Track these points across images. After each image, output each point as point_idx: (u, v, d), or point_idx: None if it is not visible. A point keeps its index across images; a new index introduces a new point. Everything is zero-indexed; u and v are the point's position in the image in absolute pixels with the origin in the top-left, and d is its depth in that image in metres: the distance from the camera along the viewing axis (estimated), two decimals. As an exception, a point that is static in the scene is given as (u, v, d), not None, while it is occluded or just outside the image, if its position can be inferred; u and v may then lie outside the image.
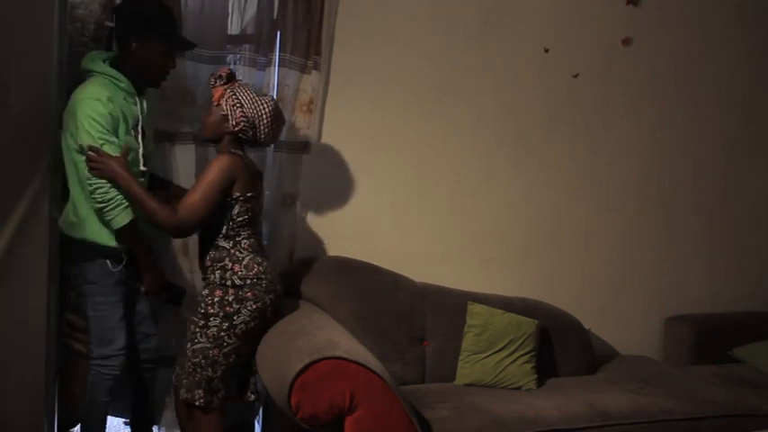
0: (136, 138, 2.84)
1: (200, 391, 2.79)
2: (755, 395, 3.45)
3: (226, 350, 2.78)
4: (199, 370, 2.78)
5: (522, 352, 3.35)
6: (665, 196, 4.06)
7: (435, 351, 3.38)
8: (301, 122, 3.42)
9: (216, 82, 2.85)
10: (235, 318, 2.77)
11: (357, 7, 3.47)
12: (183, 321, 3.22)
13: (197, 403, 2.79)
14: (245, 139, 2.88)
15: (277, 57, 3.33)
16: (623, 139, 3.94)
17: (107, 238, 2.81)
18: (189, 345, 2.80)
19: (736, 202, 4.19)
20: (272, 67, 3.32)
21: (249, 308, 2.79)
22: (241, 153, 2.85)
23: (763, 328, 4.03)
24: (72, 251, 2.84)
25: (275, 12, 3.33)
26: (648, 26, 3.88)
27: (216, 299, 2.77)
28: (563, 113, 3.83)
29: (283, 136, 3.38)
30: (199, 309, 2.81)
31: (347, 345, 2.74)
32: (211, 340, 2.76)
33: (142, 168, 2.86)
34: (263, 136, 2.88)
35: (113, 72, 2.78)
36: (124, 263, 2.87)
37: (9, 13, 2.82)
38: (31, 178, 2.84)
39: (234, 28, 3.36)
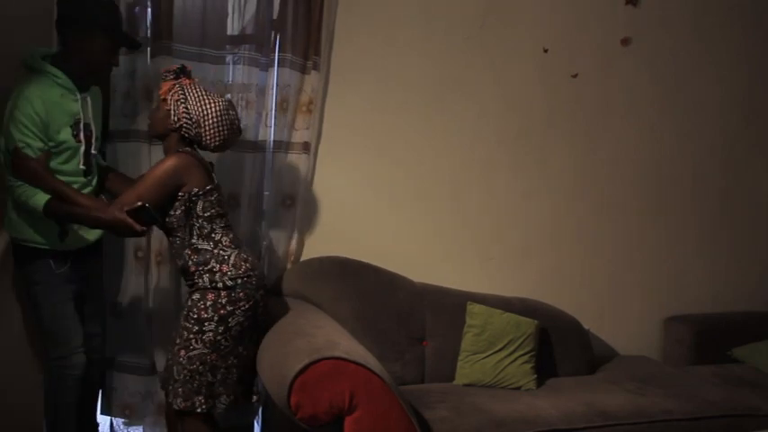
0: (76, 135, 2.74)
1: (200, 398, 2.73)
2: (755, 395, 3.45)
3: (224, 353, 2.74)
4: (197, 377, 2.71)
5: (521, 352, 3.35)
6: (664, 196, 4.05)
7: (435, 351, 3.38)
8: (301, 123, 3.42)
9: (166, 76, 2.79)
10: (230, 320, 2.73)
11: (356, 7, 3.47)
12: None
13: (198, 410, 2.72)
14: (188, 138, 2.78)
15: (277, 57, 3.33)
16: (623, 140, 3.94)
17: (48, 240, 2.75)
18: (183, 352, 2.71)
19: (735, 202, 4.19)
20: (272, 68, 3.33)
21: (243, 308, 2.75)
22: (189, 150, 2.77)
23: (763, 328, 4.03)
24: (17, 253, 2.81)
25: (275, 12, 3.33)
26: (647, 26, 3.88)
27: (209, 303, 2.71)
28: (563, 113, 3.83)
29: (284, 136, 3.39)
30: (191, 314, 2.72)
31: (347, 345, 2.73)
32: (208, 345, 2.71)
33: (82, 167, 2.78)
34: (208, 138, 2.76)
35: (49, 68, 2.69)
36: (69, 264, 2.81)
37: (7, 14, 2.83)
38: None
39: (234, 28, 3.36)
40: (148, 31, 3.18)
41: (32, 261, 2.77)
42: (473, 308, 3.41)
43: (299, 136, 3.42)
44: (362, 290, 3.33)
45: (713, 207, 4.15)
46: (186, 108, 2.74)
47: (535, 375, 3.37)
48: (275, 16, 3.33)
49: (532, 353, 3.39)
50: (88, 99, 2.81)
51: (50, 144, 2.67)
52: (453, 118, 3.67)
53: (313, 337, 2.75)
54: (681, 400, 3.28)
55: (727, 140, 4.14)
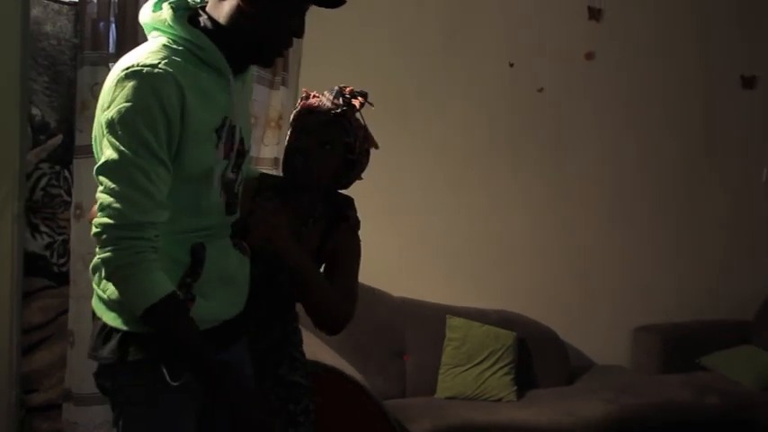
0: (222, 146, 1.62)
1: None
2: (725, 402, 3.50)
3: None
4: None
5: (501, 364, 3.35)
6: (629, 209, 4.10)
7: (416, 365, 3.37)
8: (270, 138, 3.38)
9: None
10: None
11: (323, 25, 3.43)
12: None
13: None
14: None
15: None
16: (588, 152, 3.98)
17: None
18: (291, 406, 2.03)
19: (696, 215, 4.24)
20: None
21: None
22: None
23: (728, 336, 4.10)
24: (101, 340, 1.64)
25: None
26: (610, 41, 3.94)
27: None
28: (529, 127, 3.86)
29: (253, 152, 3.33)
30: (303, 364, 2.10)
31: (330, 360, 2.70)
32: None
33: (220, 198, 1.68)
34: None
35: (192, 34, 1.59)
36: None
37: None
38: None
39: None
40: (113, 47, 3.11)
41: (129, 366, 1.61)
42: (453, 321, 3.40)
43: (268, 151, 3.38)
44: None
45: (676, 220, 4.20)
46: None
47: (515, 387, 3.37)
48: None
49: (512, 364, 3.39)
50: (242, 87, 1.73)
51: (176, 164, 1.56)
52: (420, 133, 3.67)
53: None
54: (655, 408, 3.34)
55: (689, 153, 4.21)
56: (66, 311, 2.91)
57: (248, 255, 1.79)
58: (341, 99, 1.95)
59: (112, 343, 1.60)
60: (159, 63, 1.51)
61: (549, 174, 3.93)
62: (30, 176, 2.94)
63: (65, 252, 2.96)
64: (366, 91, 2.01)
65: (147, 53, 1.54)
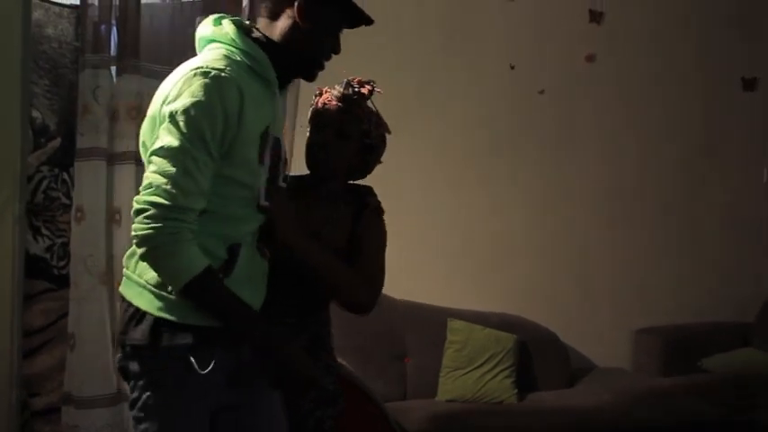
0: (261, 154, 1.72)
1: None
2: (725, 404, 3.50)
3: None
4: None
5: (502, 367, 3.37)
6: (630, 210, 4.11)
7: (416, 368, 3.38)
8: (272, 141, 3.38)
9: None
10: None
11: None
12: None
13: None
14: None
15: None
16: (589, 154, 4.00)
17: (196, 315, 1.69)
18: (319, 413, 2.05)
19: (698, 216, 4.25)
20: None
21: None
22: None
23: (729, 338, 4.09)
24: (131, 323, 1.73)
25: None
26: (611, 43, 3.94)
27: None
28: (530, 129, 3.87)
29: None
30: (334, 370, 2.12)
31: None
32: None
33: (264, 202, 1.76)
34: None
35: (252, 48, 1.74)
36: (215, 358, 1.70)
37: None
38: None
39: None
40: (114, 50, 3.11)
41: (156, 348, 1.69)
42: (454, 324, 3.41)
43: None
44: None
45: (676, 220, 4.21)
46: None
47: (516, 389, 3.37)
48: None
49: (512, 367, 3.40)
50: (281, 102, 1.88)
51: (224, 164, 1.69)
52: (420, 133, 3.68)
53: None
54: (657, 411, 3.34)
55: (689, 154, 4.22)
56: (66, 314, 2.91)
57: (267, 258, 1.87)
58: (350, 89, 2.11)
59: (144, 326, 1.70)
60: (225, 68, 1.67)
61: (549, 174, 3.94)
62: (31, 179, 2.94)
63: (65, 254, 2.96)
64: (373, 80, 2.14)
65: (212, 59, 1.71)
